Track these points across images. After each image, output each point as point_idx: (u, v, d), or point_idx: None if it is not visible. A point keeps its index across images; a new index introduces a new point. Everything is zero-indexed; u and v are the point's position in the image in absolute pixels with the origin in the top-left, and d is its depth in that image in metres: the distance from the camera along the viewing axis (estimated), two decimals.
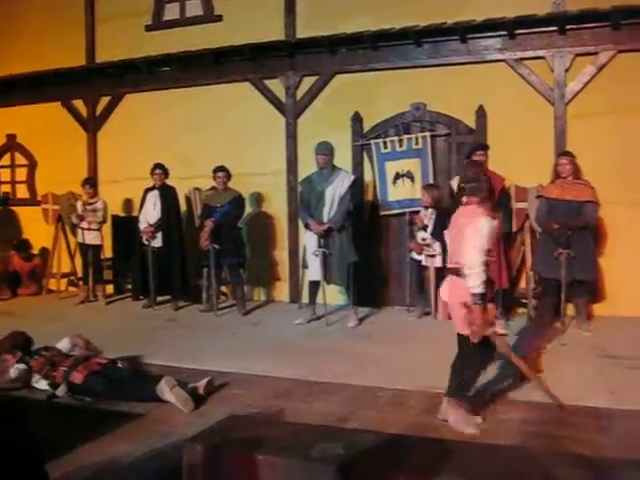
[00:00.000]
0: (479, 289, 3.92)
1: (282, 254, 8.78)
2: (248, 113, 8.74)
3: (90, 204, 8.70)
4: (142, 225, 8.19)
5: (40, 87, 9.73)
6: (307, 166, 7.68)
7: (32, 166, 10.39)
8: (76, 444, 3.82)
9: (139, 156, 8.88)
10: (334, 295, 7.72)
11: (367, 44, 8.03)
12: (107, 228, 9.12)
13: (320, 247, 7.06)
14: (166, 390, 4.58)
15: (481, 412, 4.29)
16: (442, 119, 7.98)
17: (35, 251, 9.98)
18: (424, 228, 7.28)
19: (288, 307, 8.34)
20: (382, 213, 8.17)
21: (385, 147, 8.09)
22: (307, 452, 2.88)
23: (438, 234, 7.18)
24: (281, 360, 5.78)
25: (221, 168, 7.88)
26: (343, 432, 3.59)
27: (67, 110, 9.93)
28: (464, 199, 4.20)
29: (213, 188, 8.05)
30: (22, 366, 5.03)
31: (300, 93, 8.60)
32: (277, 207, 8.75)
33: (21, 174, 10.51)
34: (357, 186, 7.52)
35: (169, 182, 8.36)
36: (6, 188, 10.65)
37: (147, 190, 8.32)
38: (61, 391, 4.79)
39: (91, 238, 8.70)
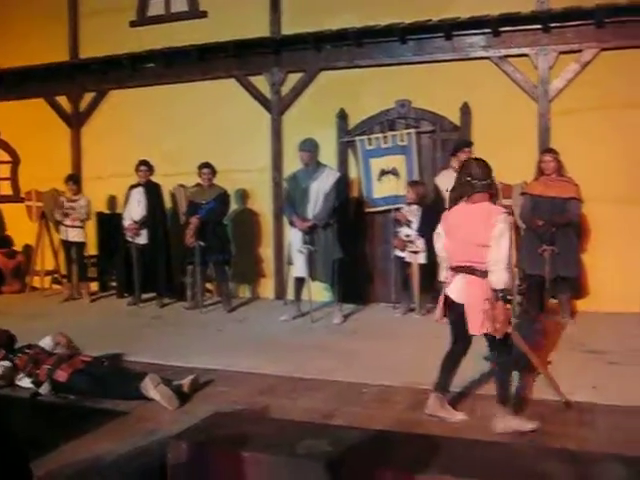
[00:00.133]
0: (503, 285, 3.94)
1: (267, 251, 8.77)
2: (233, 110, 8.72)
3: (73, 201, 8.65)
4: (126, 222, 8.15)
5: (23, 83, 9.66)
6: (292, 163, 7.68)
7: (15, 163, 10.32)
8: (60, 442, 3.79)
9: (123, 153, 8.83)
10: (319, 292, 7.72)
11: (352, 41, 8.04)
12: (92, 225, 9.07)
13: (305, 244, 7.06)
14: (150, 388, 4.56)
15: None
16: (427, 116, 8.00)
17: (18, 248, 9.93)
18: (408, 224, 7.30)
19: (273, 304, 8.34)
20: (367, 210, 8.19)
21: (370, 144, 8.10)
22: (292, 449, 2.89)
23: (423, 230, 7.22)
24: (266, 357, 5.77)
25: (206, 165, 7.86)
26: (328, 428, 3.59)
27: (50, 106, 9.86)
28: (475, 196, 4.05)
29: (198, 185, 8.02)
30: (6, 363, 4.99)
31: (285, 90, 8.60)
32: (262, 204, 8.74)
33: (4, 171, 10.42)
34: (342, 183, 7.52)
35: (154, 179, 8.33)
36: None
37: (132, 187, 8.28)
38: (45, 389, 4.76)
39: (74, 235, 8.65)
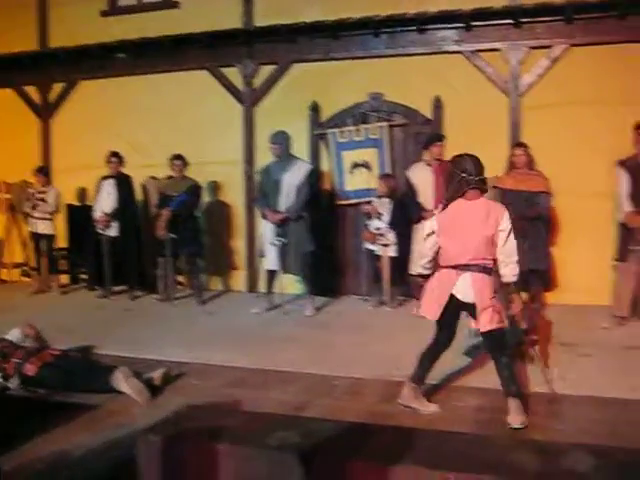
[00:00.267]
0: (517, 277, 4.09)
1: (239, 243, 8.75)
2: (205, 101, 8.67)
3: (42, 193, 8.54)
4: (97, 214, 8.07)
5: None
6: (265, 155, 7.65)
7: None
8: (30, 436, 3.76)
9: (94, 144, 8.72)
10: (291, 284, 7.72)
11: (325, 33, 8.02)
12: (62, 217, 8.96)
13: (277, 236, 7.05)
14: (121, 381, 4.53)
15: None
16: (399, 109, 8.02)
17: None
18: (378, 217, 7.33)
19: (245, 296, 8.33)
20: (339, 202, 8.20)
21: (342, 136, 8.11)
22: (264, 441, 2.89)
23: (394, 223, 7.26)
24: (238, 349, 5.77)
25: (178, 156, 7.81)
26: (300, 420, 3.60)
27: (19, 96, 9.70)
28: (470, 193, 4.04)
29: (170, 177, 7.96)
30: None
31: (258, 82, 8.56)
32: (234, 196, 8.71)
33: None
34: (314, 175, 7.52)
35: (125, 170, 8.25)
36: None
37: (102, 179, 8.20)
38: (13, 383, 4.71)
39: (43, 228, 8.55)
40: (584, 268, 7.09)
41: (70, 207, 9.15)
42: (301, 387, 4.85)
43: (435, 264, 4.29)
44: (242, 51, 8.51)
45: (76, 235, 9.01)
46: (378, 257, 7.44)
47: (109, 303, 8.03)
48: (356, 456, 2.88)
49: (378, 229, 7.32)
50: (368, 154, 8.00)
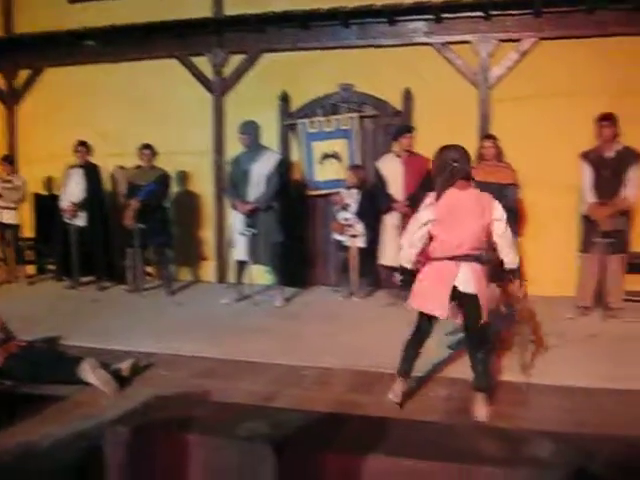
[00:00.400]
0: (518, 264, 4.17)
1: (209, 234, 8.72)
2: (175, 90, 8.60)
3: (8, 182, 8.42)
4: (64, 203, 7.97)
5: None
6: (234, 145, 7.61)
7: None
8: None
9: (61, 132, 8.62)
10: (261, 275, 7.70)
11: (295, 23, 7.99)
12: (28, 207, 8.85)
13: (247, 227, 7.04)
14: (88, 372, 4.50)
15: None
16: (369, 100, 8.04)
17: None
18: (346, 208, 7.35)
19: (215, 287, 8.31)
20: (309, 193, 8.21)
21: (312, 127, 8.11)
22: (233, 431, 2.90)
23: (363, 214, 7.30)
24: (207, 340, 5.76)
25: (147, 146, 7.74)
26: (269, 410, 3.61)
27: None
28: (460, 182, 4.02)
29: (138, 166, 7.90)
30: None
31: (228, 71, 8.51)
32: (204, 186, 8.67)
33: None
34: (283, 165, 7.52)
35: (93, 160, 8.16)
36: None
37: (70, 168, 8.09)
38: None
39: (8, 217, 8.43)
40: (551, 260, 7.19)
41: (37, 196, 9.04)
42: (270, 377, 4.86)
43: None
44: (212, 40, 8.44)
45: (43, 225, 8.90)
46: (346, 248, 7.46)
47: (77, 294, 7.96)
48: (326, 446, 2.91)
49: (346, 220, 7.35)
50: (338, 145, 8.02)
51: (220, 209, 8.51)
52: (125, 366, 4.73)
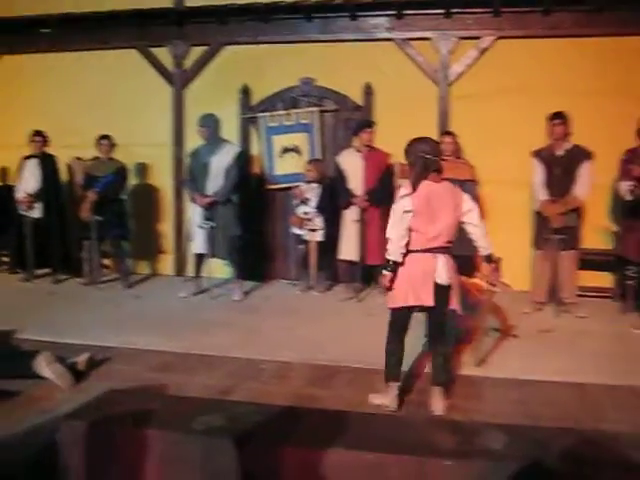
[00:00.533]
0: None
1: (167, 227, 8.65)
2: (134, 81, 8.50)
3: None
4: (19, 194, 7.82)
5: None
6: (194, 138, 7.55)
7: None
8: None
9: (16, 122, 8.45)
10: (220, 268, 7.68)
11: (257, 16, 7.96)
12: None
13: (205, 220, 7.01)
14: (43, 366, 4.44)
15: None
16: (330, 95, 8.05)
17: None
18: (305, 202, 7.36)
19: (173, 280, 8.24)
20: (268, 187, 8.20)
21: (273, 121, 8.09)
22: (188, 425, 2.89)
23: (322, 208, 7.32)
24: (164, 333, 5.73)
25: (105, 137, 7.64)
26: (226, 404, 3.61)
27: None
28: (433, 175, 4.04)
29: (96, 157, 7.79)
30: None
31: (188, 63, 8.44)
32: (163, 179, 8.59)
33: None
34: (242, 158, 7.49)
35: (49, 150, 8.01)
36: None
37: (25, 158, 7.93)
38: None
39: None
40: (507, 255, 7.25)
41: None
42: (228, 371, 4.86)
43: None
44: (172, 31, 8.35)
45: None
46: (306, 242, 7.48)
47: (32, 287, 7.82)
48: (285, 440, 2.92)
49: (306, 214, 7.36)
50: (298, 139, 8.02)
51: (179, 202, 8.44)
52: (81, 360, 4.68)
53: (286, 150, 8.07)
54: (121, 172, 7.68)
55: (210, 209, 7.00)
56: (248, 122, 8.28)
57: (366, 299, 7.19)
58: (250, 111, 8.25)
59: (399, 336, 4.18)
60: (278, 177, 8.13)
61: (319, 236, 7.37)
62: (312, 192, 7.38)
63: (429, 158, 4.02)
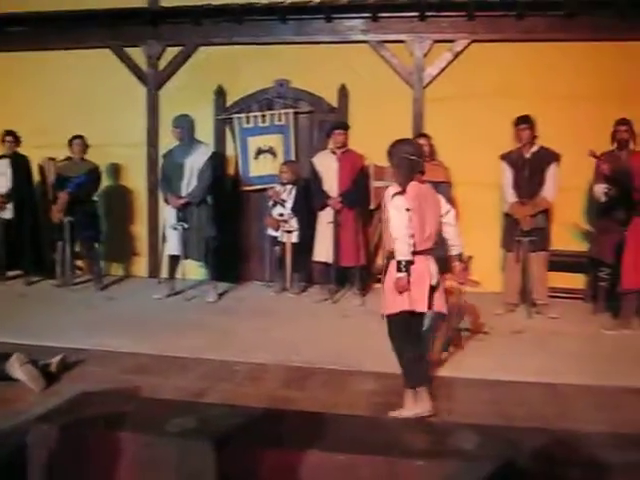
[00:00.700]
0: None
1: (141, 228, 8.58)
2: (108, 81, 8.42)
3: None
4: None
5: None
6: (168, 138, 7.51)
7: None
8: None
9: None
10: (194, 270, 7.66)
11: (232, 17, 7.94)
12: None
13: (179, 221, 6.98)
14: (16, 367, 4.40)
15: None
16: (305, 96, 8.06)
17: None
18: (282, 204, 7.36)
19: (147, 282, 8.18)
20: (243, 188, 8.18)
21: (248, 122, 8.08)
22: (161, 427, 2.88)
23: (297, 210, 7.32)
24: (138, 335, 5.70)
25: (77, 137, 7.56)
26: (198, 406, 3.60)
27: None
28: (418, 175, 4.04)
29: (69, 158, 7.72)
30: None
31: (163, 63, 8.39)
32: (136, 180, 8.52)
33: None
34: (216, 159, 7.48)
35: (21, 150, 7.92)
36: None
37: None
38: None
39: None
40: (479, 256, 7.32)
41: None
42: (202, 373, 4.85)
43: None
44: (147, 31, 8.30)
45: None
46: (281, 243, 7.47)
47: (3, 288, 7.73)
48: (257, 441, 2.92)
49: (281, 215, 7.36)
50: (273, 140, 8.02)
51: (153, 204, 8.38)
52: (54, 362, 4.64)
53: (261, 151, 8.06)
54: (93, 173, 7.61)
55: (184, 210, 6.97)
56: (223, 123, 8.26)
57: (341, 301, 7.21)
58: (225, 112, 8.23)
59: (410, 339, 4.10)
60: (253, 178, 8.12)
61: (294, 237, 7.38)
62: (287, 194, 7.38)
63: (414, 159, 4.02)
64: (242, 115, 8.10)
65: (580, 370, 4.91)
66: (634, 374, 4.80)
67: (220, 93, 8.24)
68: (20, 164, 7.86)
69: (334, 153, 7.14)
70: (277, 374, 4.84)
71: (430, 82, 7.72)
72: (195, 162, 6.98)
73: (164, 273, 7.63)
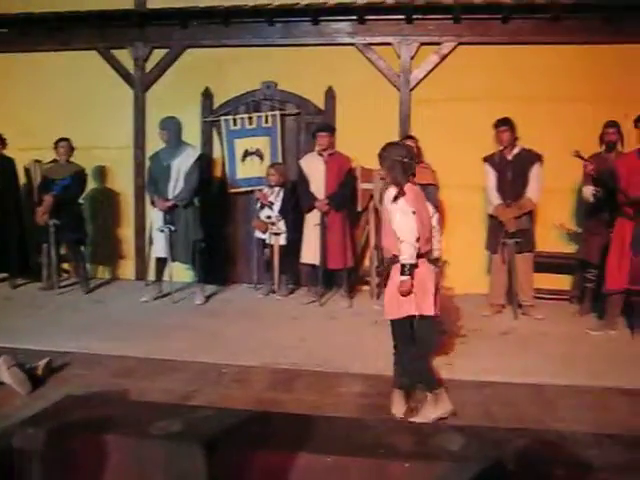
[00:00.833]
0: None
1: (128, 231, 8.55)
2: (94, 83, 8.39)
3: None
4: None
5: None
6: (156, 141, 7.49)
7: None
8: None
9: None
10: (182, 272, 7.64)
11: (219, 19, 7.94)
12: None
13: (165, 223, 6.97)
14: (2, 370, 4.39)
15: None
16: (292, 99, 8.06)
17: None
18: (270, 206, 7.36)
19: (134, 285, 8.16)
20: (230, 190, 8.17)
21: (235, 124, 8.07)
22: (146, 430, 2.87)
23: (285, 212, 7.32)
24: (125, 338, 5.68)
25: (63, 139, 7.53)
26: (185, 408, 3.59)
27: None
28: (412, 178, 4.06)
29: (54, 161, 7.68)
30: None
31: (150, 65, 8.37)
32: (123, 183, 8.49)
33: None
34: (203, 162, 7.47)
35: (7, 153, 7.88)
36: None
37: None
38: None
39: None
40: (468, 258, 7.38)
41: None
42: (189, 375, 4.84)
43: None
44: (134, 33, 8.27)
45: None
46: (269, 245, 7.47)
47: None
48: (244, 444, 2.92)
49: (269, 218, 7.36)
50: (260, 142, 8.02)
51: (140, 206, 8.34)
52: (40, 365, 4.62)
53: (248, 154, 8.06)
54: (79, 175, 7.57)
55: (171, 213, 6.96)
56: (210, 125, 8.25)
57: (328, 303, 7.22)
58: (212, 114, 8.22)
59: (410, 346, 4.13)
60: (240, 181, 8.11)
61: (282, 240, 7.37)
62: (275, 196, 7.38)
63: (406, 162, 4.03)
64: (229, 117, 8.09)
65: (566, 371, 4.94)
66: (619, 374, 4.85)
67: (207, 95, 8.23)
68: (6, 167, 7.81)
69: (321, 155, 7.15)
70: (264, 376, 4.85)
71: (417, 84, 7.74)
72: (182, 164, 6.97)
73: (151, 276, 7.61)
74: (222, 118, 8.11)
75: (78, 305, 7.06)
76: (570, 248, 7.27)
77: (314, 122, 7.84)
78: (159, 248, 7.10)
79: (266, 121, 8.00)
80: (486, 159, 6.65)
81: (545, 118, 7.17)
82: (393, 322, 4.09)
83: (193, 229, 7.05)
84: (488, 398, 4.40)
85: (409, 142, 6.87)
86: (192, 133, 7.84)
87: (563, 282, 7.37)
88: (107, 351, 5.33)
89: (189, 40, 8.19)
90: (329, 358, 5.13)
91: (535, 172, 6.45)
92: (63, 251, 7.81)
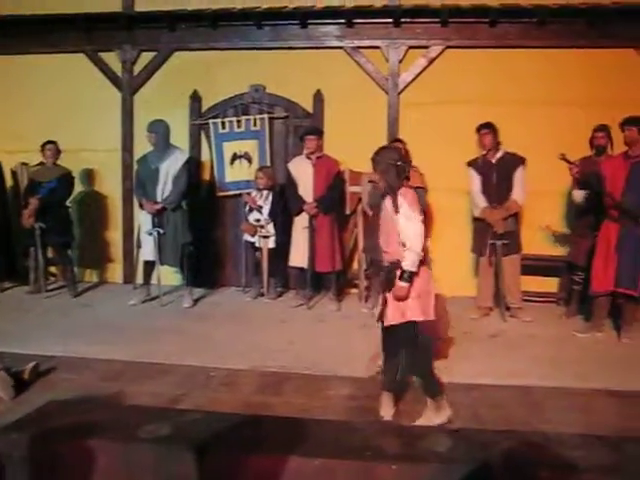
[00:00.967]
0: None
1: (116, 234, 8.51)
2: (82, 86, 8.35)
3: None
4: None
5: None
6: (144, 144, 7.47)
7: None
8: None
9: None
10: (170, 275, 7.63)
11: (207, 22, 7.93)
12: None
13: (154, 227, 6.95)
14: None
15: None
16: (280, 102, 8.06)
17: None
18: (258, 210, 7.35)
19: (122, 288, 8.13)
20: (219, 194, 8.16)
21: (223, 127, 8.07)
22: (133, 434, 2.86)
23: (274, 215, 7.32)
24: (113, 342, 5.66)
25: (50, 142, 7.50)
26: (173, 412, 3.58)
27: None
28: (406, 181, 4.05)
29: (41, 163, 7.65)
30: None
31: (138, 68, 8.35)
32: (111, 186, 8.46)
33: None
34: (191, 165, 7.46)
35: None
36: None
37: None
38: None
39: None
40: (455, 261, 7.39)
41: None
42: (177, 379, 4.83)
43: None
44: (122, 36, 8.25)
45: None
46: (258, 249, 7.46)
47: None
48: (233, 447, 2.92)
49: (258, 221, 7.35)
50: (249, 146, 8.01)
51: (128, 209, 8.31)
52: (26, 369, 4.60)
53: (236, 157, 8.05)
54: (66, 178, 7.54)
55: (159, 216, 6.95)
56: (198, 128, 8.24)
57: (316, 306, 7.22)
58: (200, 117, 8.21)
59: (415, 350, 4.10)
60: (228, 184, 8.10)
61: (271, 243, 7.37)
62: (263, 199, 7.37)
63: (400, 165, 4.02)
64: (217, 120, 8.09)
65: (553, 373, 4.96)
66: (606, 376, 4.88)
67: (195, 98, 8.22)
68: None
69: (309, 158, 7.15)
70: (253, 379, 4.85)
71: (405, 88, 7.76)
72: (170, 167, 6.96)
73: (139, 279, 7.59)
74: (210, 121, 8.11)
75: (66, 309, 7.02)
76: (557, 250, 7.31)
77: (302, 125, 7.85)
78: (147, 251, 7.09)
79: (254, 124, 8.00)
80: (470, 164, 6.69)
81: (534, 121, 7.22)
82: (397, 327, 4.04)
83: (182, 232, 7.04)
84: (476, 400, 4.42)
85: (398, 145, 6.92)
86: (180, 136, 7.83)
87: (550, 284, 7.40)
88: (95, 355, 5.31)
89: (177, 43, 8.18)
90: (317, 361, 5.14)
91: (519, 175, 6.49)
92: (50, 254, 7.77)
